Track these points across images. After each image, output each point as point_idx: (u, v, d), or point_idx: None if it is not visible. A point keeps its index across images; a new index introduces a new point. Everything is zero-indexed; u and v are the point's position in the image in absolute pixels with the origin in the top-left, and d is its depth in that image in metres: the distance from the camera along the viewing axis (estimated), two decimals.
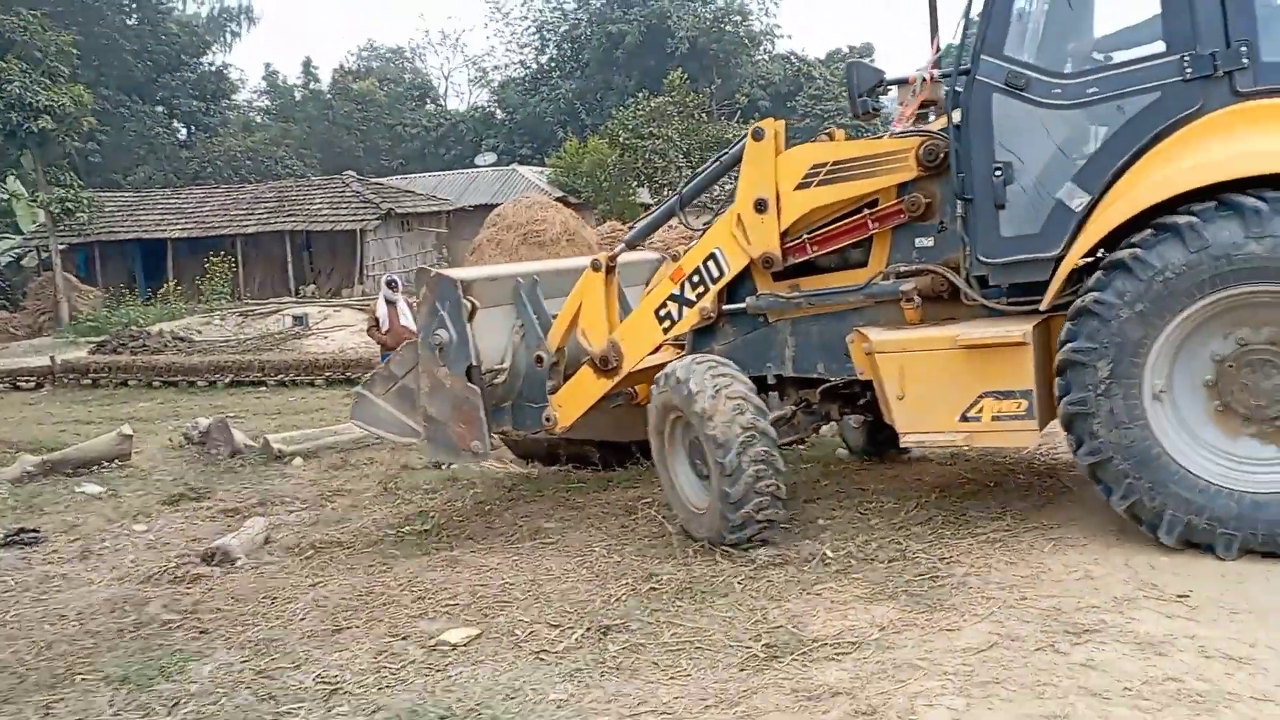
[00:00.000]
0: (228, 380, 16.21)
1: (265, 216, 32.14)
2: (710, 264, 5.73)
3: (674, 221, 6.34)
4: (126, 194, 36.21)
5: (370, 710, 3.84)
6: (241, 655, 4.51)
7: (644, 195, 29.85)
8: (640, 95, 31.20)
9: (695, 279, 5.78)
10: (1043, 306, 4.76)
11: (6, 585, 5.91)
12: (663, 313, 5.88)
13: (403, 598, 5.07)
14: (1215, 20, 4.34)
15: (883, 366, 5.05)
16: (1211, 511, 4.33)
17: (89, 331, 24.83)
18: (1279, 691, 3.28)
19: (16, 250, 33.80)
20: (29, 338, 26.85)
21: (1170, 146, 4.43)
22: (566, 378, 6.21)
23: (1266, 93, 4.33)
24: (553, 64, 50.04)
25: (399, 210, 32.09)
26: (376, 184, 34.55)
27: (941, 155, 5.01)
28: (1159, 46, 4.54)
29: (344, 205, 31.96)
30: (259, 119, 53.19)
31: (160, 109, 45.33)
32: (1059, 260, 4.68)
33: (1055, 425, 4.90)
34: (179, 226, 32.55)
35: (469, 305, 6.13)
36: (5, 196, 32.49)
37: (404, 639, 4.53)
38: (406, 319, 11.07)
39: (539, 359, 6.22)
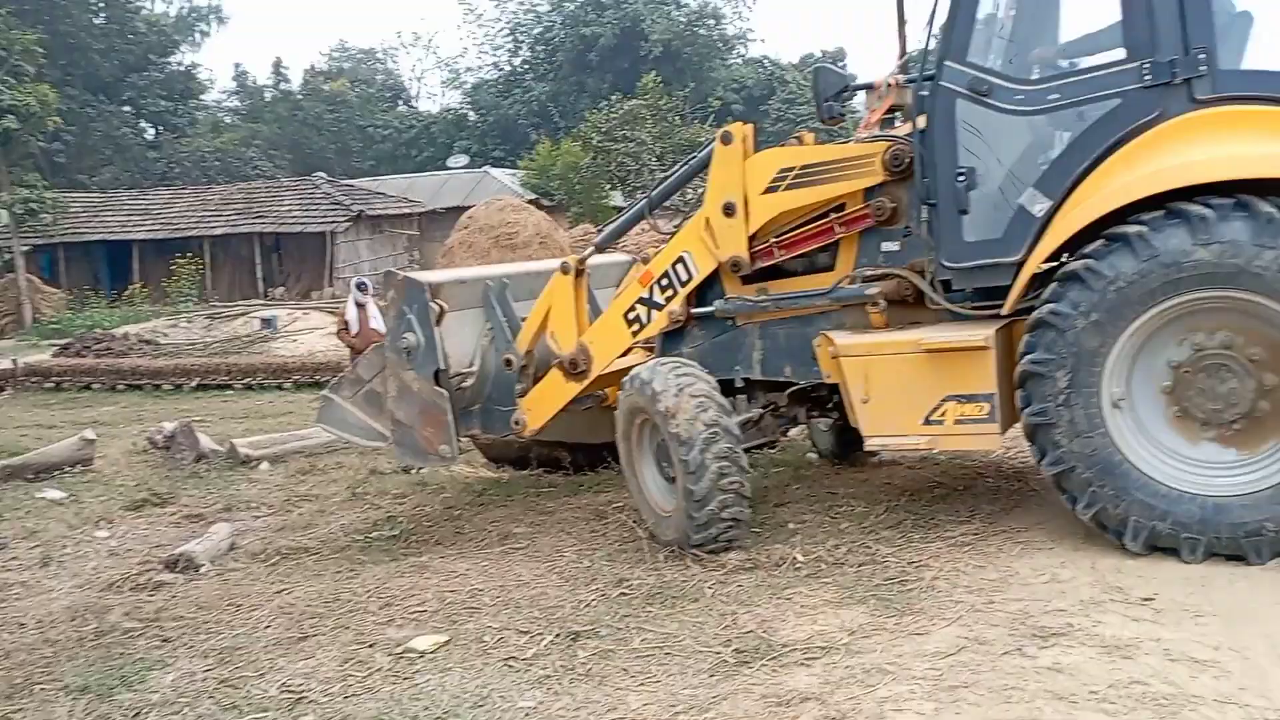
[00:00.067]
0: (194, 384, 15.99)
1: (233, 218, 31.83)
2: (679, 267, 5.74)
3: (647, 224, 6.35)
4: (92, 195, 35.73)
5: (336, 719, 3.80)
6: (204, 664, 4.46)
7: (617, 198, 29.81)
8: (613, 98, 31.14)
9: (664, 282, 5.78)
10: (1004, 311, 4.81)
11: None
12: (631, 316, 5.89)
13: (370, 604, 5.03)
14: (1174, 28, 4.40)
15: (848, 370, 5.08)
16: (1175, 517, 4.38)
17: (52, 334, 24.45)
18: (1243, 694, 3.33)
19: None
20: None
21: (1130, 153, 4.48)
22: (536, 381, 6.19)
23: (1224, 100, 4.39)
24: (526, 66, 49.89)
25: (370, 212, 31.86)
26: (347, 185, 34.31)
27: (907, 160, 5.04)
28: (1120, 54, 4.59)
29: (314, 207, 31.71)
30: (228, 119, 52.58)
31: (127, 109, 44.72)
32: (1021, 265, 4.72)
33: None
34: (145, 228, 32.16)
35: (437, 309, 6.10)
36: None
37: (371, 646, 4.49)
38: (377, 322, 10.98)
39: (508, 362, 6.21)
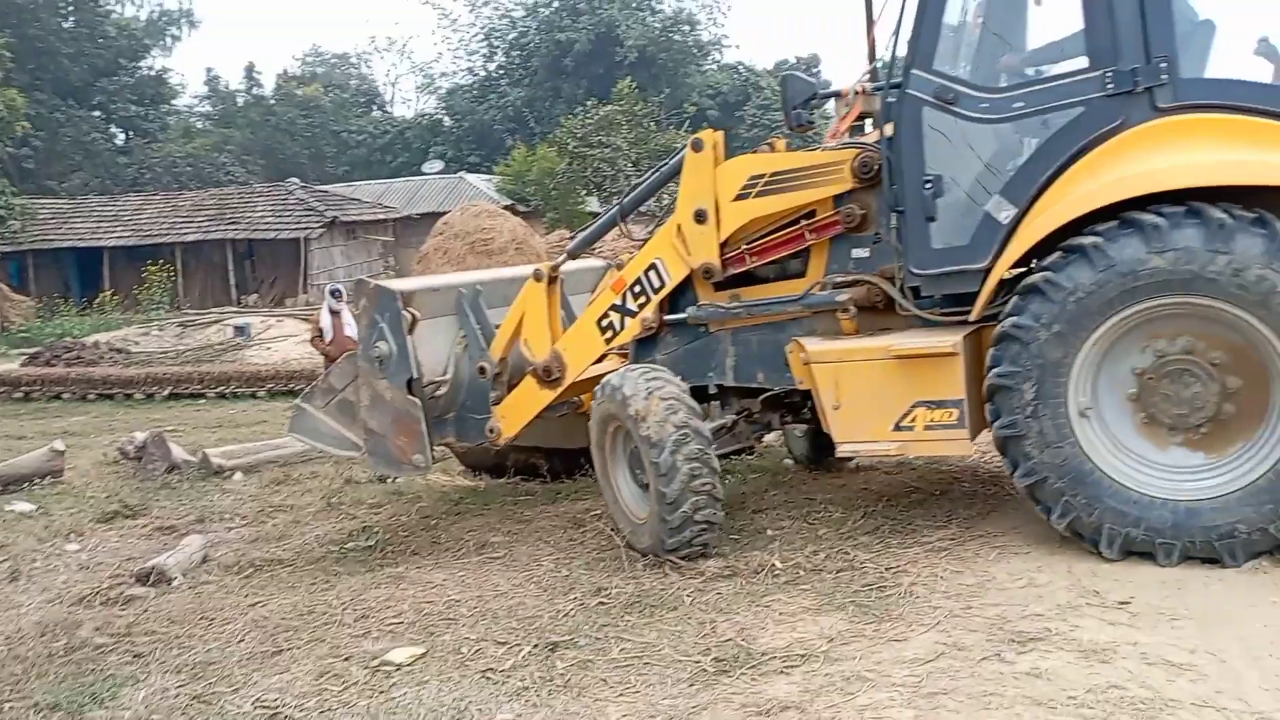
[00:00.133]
0: (166, 393, 15.84)
1: (206, 224, 31.52)
2: (651, 274, 5.75)
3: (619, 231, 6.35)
4: (61, 201, 35.34)
5: None
6: (177, 679, 4.41)
7: (593, 204, 29.81)
8: (589, 103, 31.14)
9: (637, 289, 5.79)
10: (972, 317, 4.86)
11: None
12: (605, 323, 5.89)
13: (345, 617, 4.99)
14: (1136, 37, 4.45)
15: (819, 376, 5.10)
16: (1148, 523, 4.42)
17: (21, 343, 24.13)
18: (1219, 697, 3.36)
19: None
20: None
21: (1093, 161, 4.53)
22: (510, 388, 6.18)
23: (1185, 108, 4.45)
24: (501, 71, 49.81)
25: (344, 218, 31.68)
26: (321, 191, 34.11)
27: (876, 167, 5.08)
28: (1083, 62, 4.64)
29: (287, 213, 31.45)
30: (200, 124, 52.19)
31: (98, 114, 44.24)
32: (988, 271, 4.77)
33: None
34: (116, 234, 31.80)
35: (409, 317, 6.07)
36: None
37: (346, 659, 4.46)
38: (351, 329, 10.89)
39: (481, 370, 6.19)
